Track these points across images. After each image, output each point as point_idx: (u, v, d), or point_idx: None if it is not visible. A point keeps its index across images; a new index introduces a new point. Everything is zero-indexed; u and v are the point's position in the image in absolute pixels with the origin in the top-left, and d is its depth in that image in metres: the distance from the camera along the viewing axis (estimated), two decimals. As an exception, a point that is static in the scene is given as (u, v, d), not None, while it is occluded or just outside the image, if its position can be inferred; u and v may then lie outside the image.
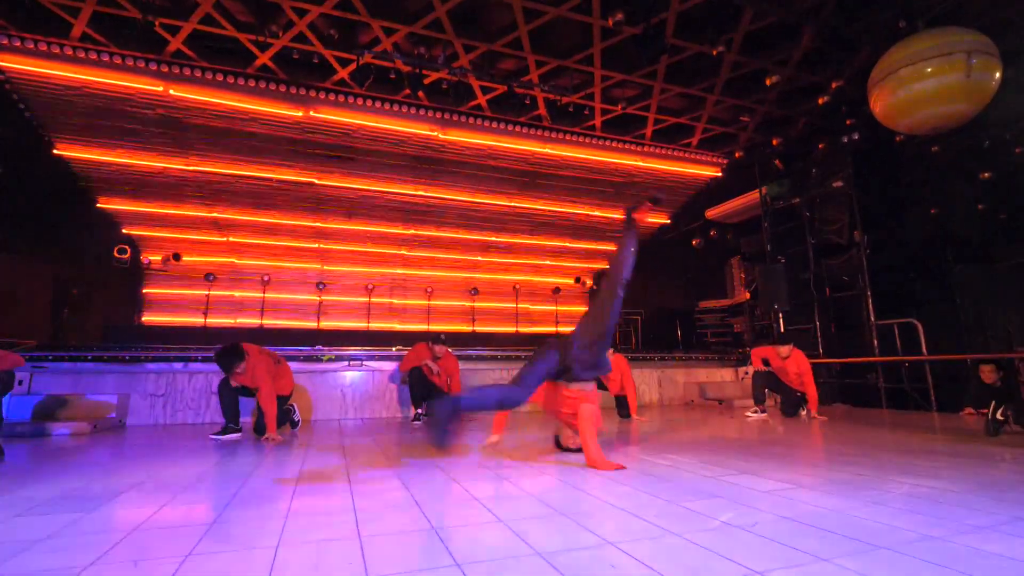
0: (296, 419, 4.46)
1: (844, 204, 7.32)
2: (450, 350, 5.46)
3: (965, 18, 5.43)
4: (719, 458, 2.98)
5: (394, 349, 6.36)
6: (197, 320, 9.11)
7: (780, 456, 3.08)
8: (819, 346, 7.45)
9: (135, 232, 8.95)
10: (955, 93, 4.93)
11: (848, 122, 7.26)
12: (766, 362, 5.50)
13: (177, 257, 9.21)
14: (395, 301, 10.53)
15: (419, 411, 5.22)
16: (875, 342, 6.73)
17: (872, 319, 6.80)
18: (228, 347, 3.96)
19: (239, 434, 4.08)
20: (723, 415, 5.59)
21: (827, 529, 1.66)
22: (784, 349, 5.27)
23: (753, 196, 8.90)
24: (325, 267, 10.11)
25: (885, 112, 5.46)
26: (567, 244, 11.18)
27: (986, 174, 6.56)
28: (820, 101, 7.12)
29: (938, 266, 6.99)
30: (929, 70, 4.93)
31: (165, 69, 6.58)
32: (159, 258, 9.24)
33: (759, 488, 2.23)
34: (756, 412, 5.33)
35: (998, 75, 4.90)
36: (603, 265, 12.03)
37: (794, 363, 5.25)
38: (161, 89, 6.72)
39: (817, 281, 7.71)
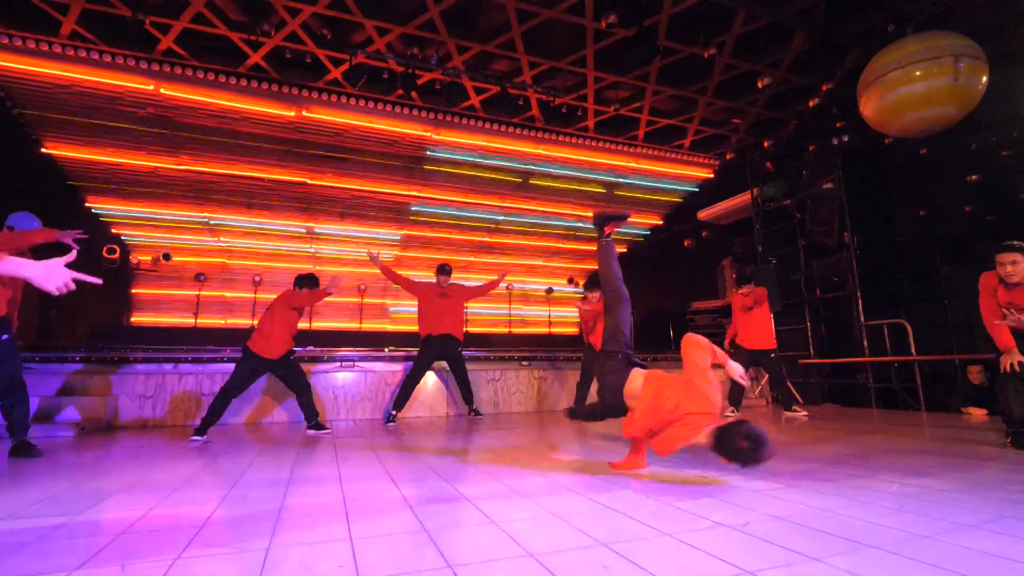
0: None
1: (834, 205, 7.37)
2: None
3: (953, 23, 5.50)
4: (710, 458, 2.99)
5: (386, 350, 6.34)
6: (187, 321, 9.04)
7: (770, 456, 3.09)
8: (810, 346, 7.51)
9: (124, 232, 8.86)
10: (943, 96, 4.99)
11: (838, 124, 7.33)
12: (734, 345, 5.69)
13: (167, 257, 9.13)
14: (388, 302, 10.50)
15: (394, 412, 5.12)
16: (865, 342, 6.79)
17: (862, 319, 6.86)
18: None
19: (207, 438, 3.98)
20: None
21: (818, 529, 1.67)
22: (745, 288, 5.51)
23: (745, 197, 8.95)
24: (317, 267, 10.06)
25: (875, 115, 5.52)
26: (560, 245, 11.20)
27: (973, 176, 6.64)
28: (811, 103, 7.18)
29: (927, 267, 7.06)
30: (918, 73, 4.98)
31: (156, 68, 6.52)
32: (149, 258, 9.16)
33: (750, 488, 2.24)
34: (732, 412, 5.45)
35: (985, 79, 4.96)
36: (594, 266, 12.06)
37: (753, 298, 5.45)
38: (152, 88, 6.66)
39: (807, 282, 7.77)
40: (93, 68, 6.35)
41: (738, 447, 2.13)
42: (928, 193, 7.15)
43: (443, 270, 5.41)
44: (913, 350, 6.17)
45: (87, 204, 8.25)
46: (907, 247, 7.34)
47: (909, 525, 1.69)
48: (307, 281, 4.56)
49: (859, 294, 6.92)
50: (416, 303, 5.50)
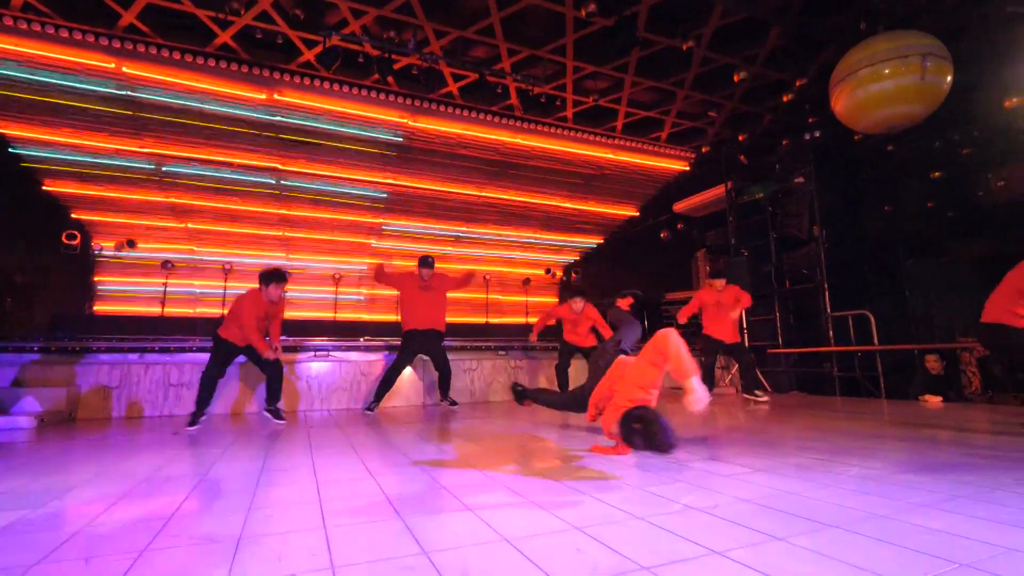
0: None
1: (805, 199, 7.56)
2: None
3: (921, 23, 5.65)
4: (682, 444, 3.06)
5: (362, 340, 6.27)
6: (154, 310, 8.76)
7: (739, 442, 3.19)
8: (779, 336, 7.72)
9: (85, 217, 8.49)
10: (910, 94, 5.14)
11: (811, 120, 7.49)
12: (695, 319, 6.01)
13: (131, 244, 8.80)
14: (363, 291, 10.36)
15: (373, 402, 5.14)
16: (831, 333, 7.02)
17: (828, 311, 7.08)
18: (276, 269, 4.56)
19: (199, 427, 4.08)
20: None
21: (782, 510, 1.72)
22: (719, 283, 5.81)
23: (719, 190, 9.10)
24: (290, 256, 9.86)
25: (845, 111, 5.65)
26: (537, 235, 11.20)
27: (936, 174, 6.89)
28: (785, 99, 7.31)
29: (890, 260, 7.32)
30: (887, 71, 5.12)
31: (117, 45, 6.23)
32: (112, 245, 8.81)
33: (719, 472, 2.31)
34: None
35: (949, 78, 5.13)
36: (573, 257, 12.14)
37: (730, 295, 5.74)
38: (113, 66, 6.36)
39: (778, 274, 7.97)
40: (48, 43, 6.02)
41: (631, 429, 2.26)
42: (894, 189, 7.39)
43: (425, 262, 5.31)
44: (875, 340, 6.40)
45: (44, 188, 7.88)
46: (872, 241, 7.58)
47: (868, 505, 1.76)
48: (273, 277, 4.43)
49: (826, 286, 7.13)
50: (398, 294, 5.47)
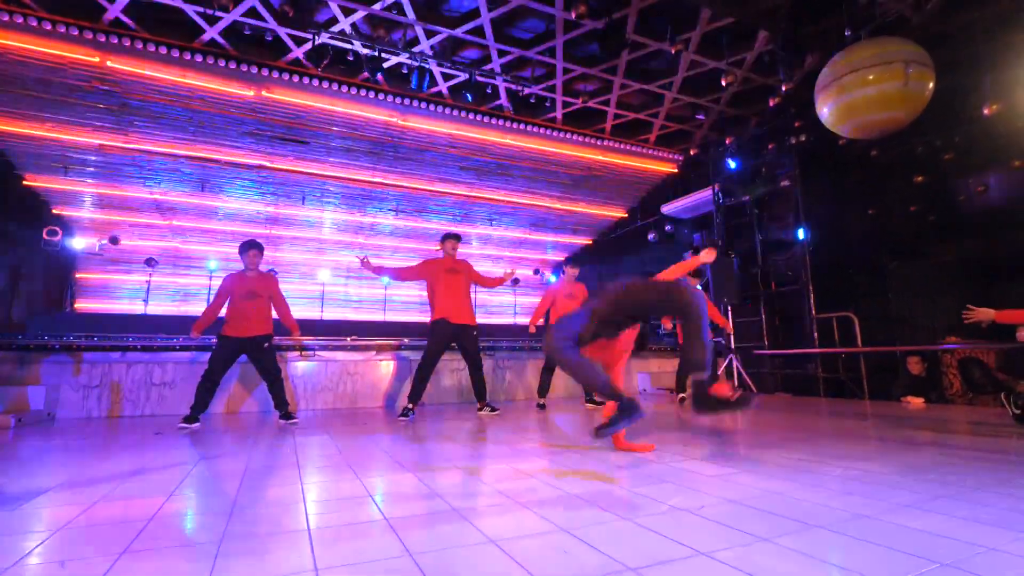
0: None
1: (790, 202, 7.65)
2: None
3: (905, 31, 5.75)
4: (668, 445, 3.08)
5: (348, 339, 6.22)
6: (137, 308, 8.63)
7: (724, 442, 3.21)
8: (764, 337, 7.80)
9: (67, 213, 8.34)
10: (893, 100, 5.21)
11: (796, 124, 7.58)
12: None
13: (114, 240, 8.65)
14: (350, 290, 10.29)
15: (410, 406, 4.53)
16: (815, 334, 7.10)
17: (813, 312, 7.16)
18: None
19: (198, 424, 4.05)
20: (672, 403, 5.78)
21: (768, 511, 1.73)
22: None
23: (706, 192, 9.17)
24: (277, 254, 9.76)
25: (830, 116, 5.72)
26: (526, 235, 11.22)
27: (919, 178, 7.00)
28: (771, 103, 7.39)
29: (874, 263, 7.41)
30: (871, 77, 5.19)
31: (102, 39, 6.12)
32: (94, 241, 8.66)
33: (705, 473, 2.32)
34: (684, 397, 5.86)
35: (932, 85, 5.21)
36: (560, 257, 12.17)
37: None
38: (97, 60, 6.24)
39: (763, 276, 8.05)
40: (29, 35, 5.90)
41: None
42: (877, 193, 7.49)
43: (452, 235, 5.10)
44: (859, 342, 6.49)
45: (25, 183, 7.71)
46: (857, 244, 7.69)
47: (853, 506, 1.78)
48: (248, 245, 4.53)
49: (811, 288, 7.22)
50: (423, 286, 5.09)
